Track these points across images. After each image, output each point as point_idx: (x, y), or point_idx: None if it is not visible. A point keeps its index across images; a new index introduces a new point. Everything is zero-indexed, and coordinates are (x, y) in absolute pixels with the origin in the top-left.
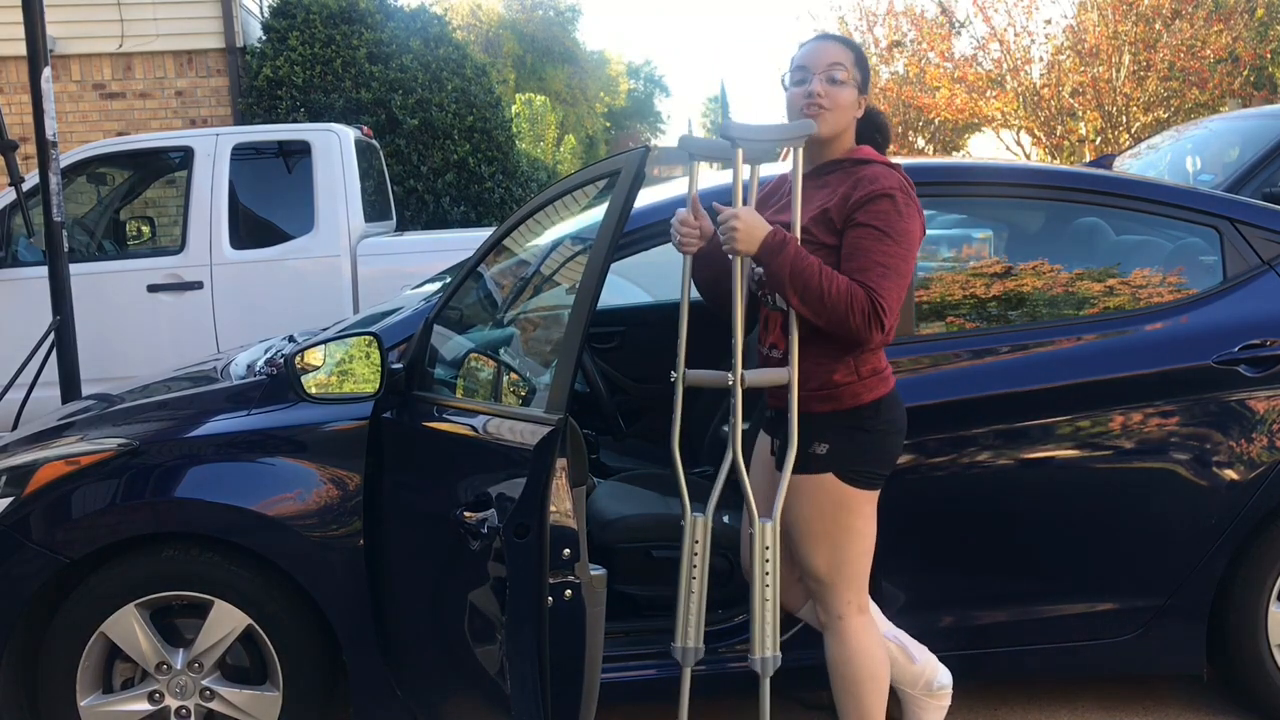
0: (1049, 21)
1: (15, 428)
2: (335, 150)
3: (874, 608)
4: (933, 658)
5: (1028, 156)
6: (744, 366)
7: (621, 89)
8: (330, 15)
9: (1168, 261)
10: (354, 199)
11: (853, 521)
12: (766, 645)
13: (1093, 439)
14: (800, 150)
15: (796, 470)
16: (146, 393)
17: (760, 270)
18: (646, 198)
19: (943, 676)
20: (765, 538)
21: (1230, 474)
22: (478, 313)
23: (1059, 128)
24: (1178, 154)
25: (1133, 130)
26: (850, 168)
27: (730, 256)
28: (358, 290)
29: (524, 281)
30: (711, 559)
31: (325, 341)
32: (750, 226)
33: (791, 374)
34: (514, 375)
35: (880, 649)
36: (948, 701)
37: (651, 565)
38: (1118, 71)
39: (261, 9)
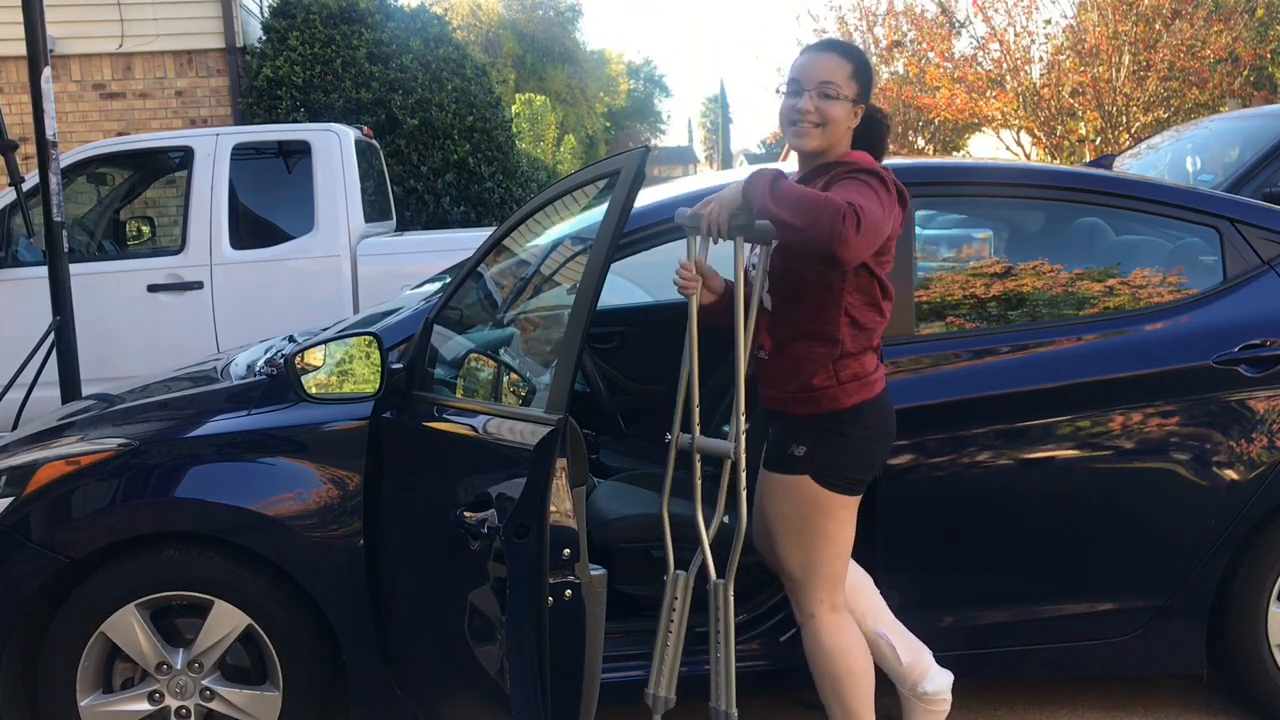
0: (1049, 21)
1: (15, 428)
2: (335, 150)
3: (881, 604)
4: (926, 663)
5: (1028, 156)
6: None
7: (621, 89)
8: (330, 15)
9: (1168, 261)
10: (354, 199)
11: (827, 524)
12: (721, 698)
13: (1093, 439)
14: (740, 245)
15: (776, 471)
16: (146, 393)
17: (754, 266)
18: (646, 198)
19: (930, 684)
20: (718, 597)
21: (1230, 474)
22: (478, 313)
23: (1059, 128)
24: (1178, 154)
25: (1133, 130)
26: (836, 168)
27: (687, 297)
28: (358, 290)
29: (524, 281)
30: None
31: (325, 341)
32: (721, 199)
33: (738, 448)
34: (514, 375)
35: (858, 646)
36: (942, 709)
37: (651, 565)
38: (1118, 71)
39: (261, 9)
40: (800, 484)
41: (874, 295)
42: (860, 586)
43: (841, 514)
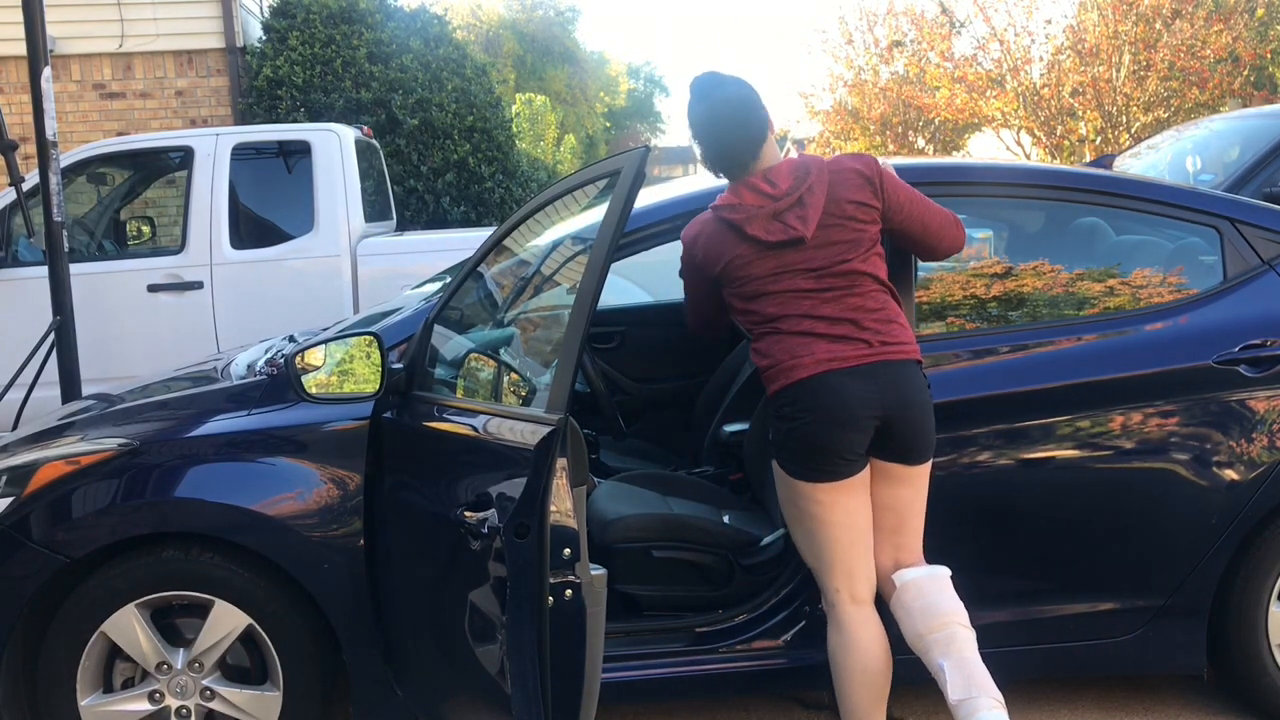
0: (1049, 21)
1: (15, 428)
2: (335, 150)
3: (959, 636)
4: (977, 707)
5: (1028, 156)
6: None
7: (621, 89)
8: (330, 15)
9: (1168, 261)
10: (354, 199)
11: (807, 507)
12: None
13: (1093, 439)
14: None
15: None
16: (146, 393)
17: None
18: (646, 198)
19: None
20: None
21: (1230, 474)
22: (478, 313)
23: (1059, 128)
24: (1178, 154)
25: (1133, 130)
26: None
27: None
28: (358, 290)
29: (524, 281)
30: (710, 559)
31: (325, 341)
32: None
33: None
34: (514, 375)
35: (877, 644)
36: None
37: (651, 565)
38: (1118, 71)
39: (261, 9)
40: (775, 467)
41: (738, 305)
42: (940, 608)
43: (819, 497)
